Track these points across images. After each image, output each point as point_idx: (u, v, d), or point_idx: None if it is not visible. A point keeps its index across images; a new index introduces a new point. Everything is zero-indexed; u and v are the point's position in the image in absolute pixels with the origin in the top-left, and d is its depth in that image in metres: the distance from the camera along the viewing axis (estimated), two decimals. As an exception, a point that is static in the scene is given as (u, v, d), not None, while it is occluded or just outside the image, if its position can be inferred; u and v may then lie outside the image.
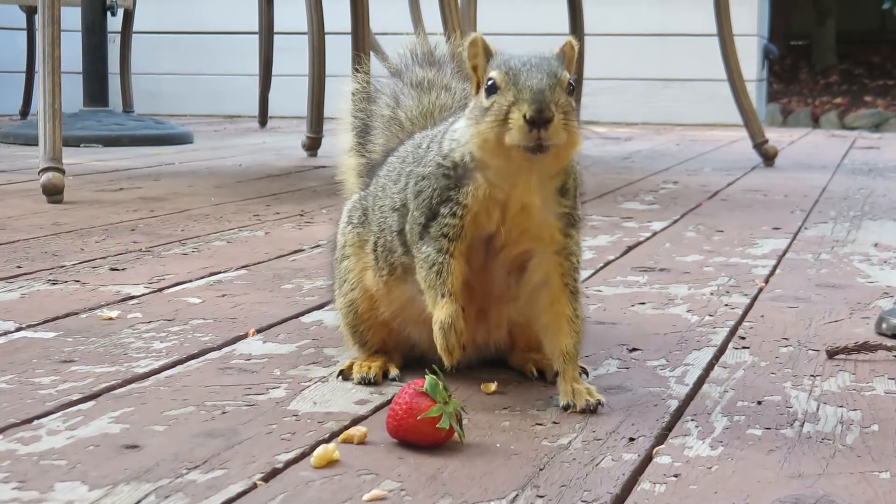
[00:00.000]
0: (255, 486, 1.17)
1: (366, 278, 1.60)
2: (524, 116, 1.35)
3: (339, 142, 1.85)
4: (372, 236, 1.59)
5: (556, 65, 1.40)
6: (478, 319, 1.55)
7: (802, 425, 1.40)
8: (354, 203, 1.66)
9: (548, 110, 1.35)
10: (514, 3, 7.69)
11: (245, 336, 1.81)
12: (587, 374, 1.59)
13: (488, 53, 1.44)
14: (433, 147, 1.50)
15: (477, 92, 1.44)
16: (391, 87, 1.79)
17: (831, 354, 1.71)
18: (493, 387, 1.53)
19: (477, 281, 1.50)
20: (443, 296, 1.46)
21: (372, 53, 1.73)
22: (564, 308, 1.48)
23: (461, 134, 1.46)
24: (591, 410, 1.43)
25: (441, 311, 1.45)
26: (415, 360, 1.63)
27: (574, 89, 1.41)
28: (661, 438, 1.35)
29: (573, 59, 1.45)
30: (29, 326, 1.84)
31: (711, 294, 2.18)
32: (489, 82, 1.40)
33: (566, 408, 1.44)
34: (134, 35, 6.66)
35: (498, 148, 1.39)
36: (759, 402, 1.49)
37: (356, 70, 1.84)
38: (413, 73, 1.78)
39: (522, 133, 1.35)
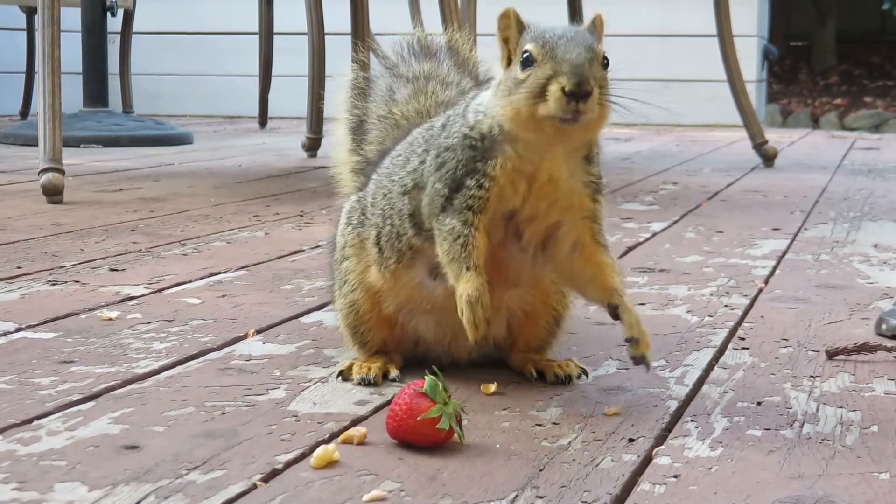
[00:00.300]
0: (254, 486, 1.17)
1: (368, 277, 1.59)
2: (562, 89, 1.36)
3: (335, 137, 1.85)
4: (373, 230, 1.58)
5: (591, 39, 1.42)
6: None
7: (802, 426, 1.40)
8: (353, 204, 1.66)
9: (587, 84, 1.37)
10: (514, 4, 7.68)
11: (245, 337, 1.81)
12: (587, 374, 1.59)
13: (521, 26, 1.44)
14: (456, 121, 1.49)
15: (508, 65, 1.44)
16: (387, 82, 1.79)
17: (831, 355, 1.71)
18: (492, 387, 1.53)
19: (491, 261, 1.49)
20: (468, 269, 1.45)
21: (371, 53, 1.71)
22: (604, 257, 1.51)
23: (488, 106, 1.46)
24: (647, 364, 1.46)
25: (468, 284, 1.44)
26: (415, 360, 1.63)
27: (608, 63, 1.42)
28: (661, 439, 1.35)
29: (602, 33, 1.46)
30: (29, 327, 1.84)
31: (711, 295, 2.18)
32: (525, 55, 1.40)
33: (628, 340, 1.46)
34: (134, 35, 6.66)
35: (530, 121, 1.40)
36: (759, 403, 1.49)
37: (354, 63, 1.83)
38: (409, 66, 1.77)
39: (560, 105, 1.36)
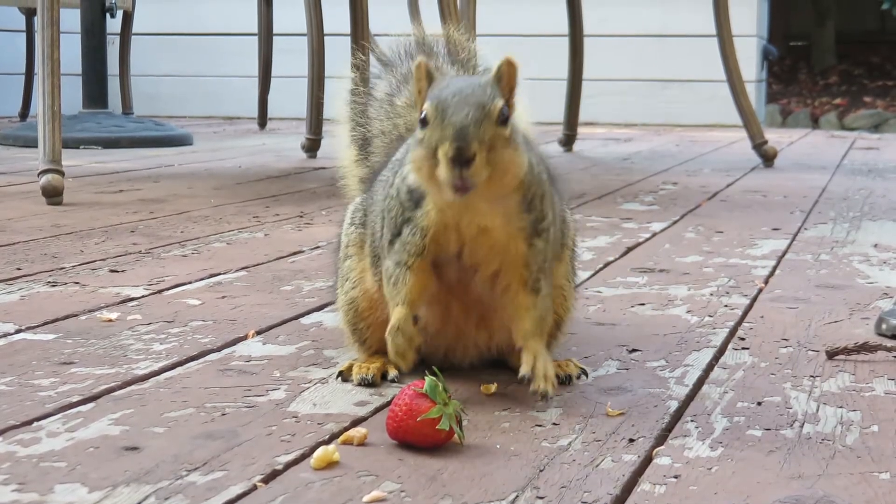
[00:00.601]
0: (254, 487, 1.17)
1: (366, 278, 1.60)
2: (446, 155, 1.34)
3: (339, 146, 1.85)
4: (368, 239, 1.60)
5: (487, 93, 1.37)
6: (478, 326, 1.57)
7: (802, 426, 1.40)
8: (357, 205, 1.67)
9: (468, 150, 1.33)
10: (513, 4, 7.69)
11: (245, 338, 1.81)
12: (586, 374, 1.60)
13: (430, 78, 1.42)
14: (401, 167, 1.49)
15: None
16: (386, 88, 1.78)
17: (831, 355, 1.71)
18: (492, 388, 1.53)
19: (462, 293, 1.51)
20: (396, 304, 1.48)
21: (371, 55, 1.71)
22: (526, 300, 1.48)
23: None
24: (543, 396, 1.44)
25: (393, 318, 1.48)
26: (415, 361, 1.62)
27: (507, 118, 1.37)
28: (661, 439, 1.35)
29: (514, 78, 1.40)
30: (28, 328, 1.84)
31: (711, 295, 2.18)
32: (422, 114, 1.39)
33: (521, 380, 1.46)
34: (133, 37, 6.67)
35: (431, 181, 1.38)
36: (759, 403, 1.49)
37: (353, 69, 1.83)
38: (408, 68, 1.77)
39: (447, 171, 1.34)
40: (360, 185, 1.80)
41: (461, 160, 1.33)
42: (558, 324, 1.62)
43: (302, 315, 1.97)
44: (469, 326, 1.55)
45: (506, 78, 1.40)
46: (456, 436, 1.30)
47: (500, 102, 1.37)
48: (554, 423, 1.40)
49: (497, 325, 1.56)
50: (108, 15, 5.66)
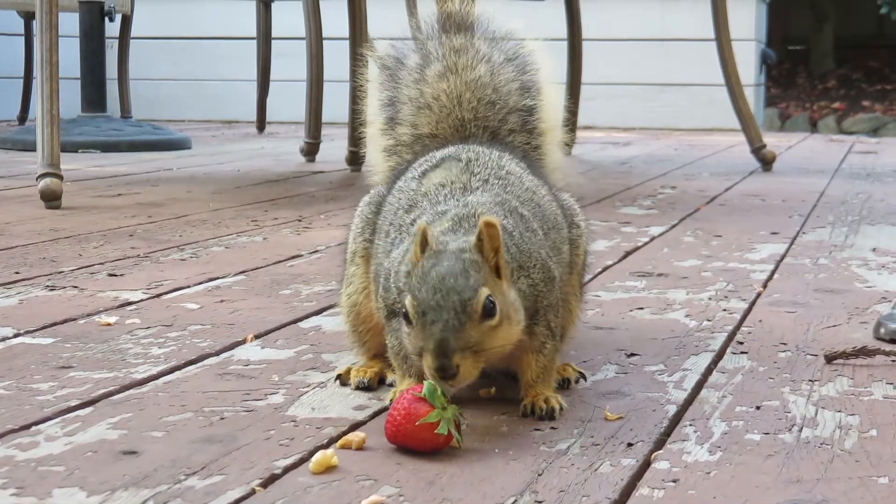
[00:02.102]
0: (253, 491, 1.17)
1: (369, 292, 1.59)
2: (430, 368, 1.31)
3: (365, 115, 1.79)
4: (373, 263, 1.57)
5: (470, 283, 1.31)
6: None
7: (801, 430, 1.40)
8: (366, 214, 1.63)
9: (450, 367, 1.29)
10: (512, 8, 7.69)
11: (243, 342, 1.81)
12: (585, 378, 1.60)
13: (425, 243, 1.35)
14: (401, 251, 1.44)
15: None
16: (416, 60, 1.72)
17: (829, 359, 1.71)
18: (491, 392, 1.53)
19: None
20: (406, 376, 1.46)
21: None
22: (529, 359, 1.46)
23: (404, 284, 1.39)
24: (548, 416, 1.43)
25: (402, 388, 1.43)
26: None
27: (493, 308, 1.31)
28: (660, 444, 1.35)
29: (496, 238, 1.34)
30: (27, 332, 1.84)
31: (710, 299, 2.18)
32: (404, 310, 1.34)
33: (522, 415, 1.44)
34: (132, 40, 6.66)
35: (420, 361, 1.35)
36: (758, 407, 1.49)
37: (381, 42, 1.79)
38: (440, 41, 1.71)
39: (434, 378, 1.31)
40: (383, 156, 1.76)
41: (445, 376, 1.30)
42: (561, 334, 1.61)
43: (300, 319, 1.97)
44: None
45: (488, 241, 1.33)
46: (454, 440, 1.30)
47: (482, 294, 1.31)
48: (552, 428, 1.40)
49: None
50: (106, 18, 5.66)
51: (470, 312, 1.31)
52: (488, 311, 1.32)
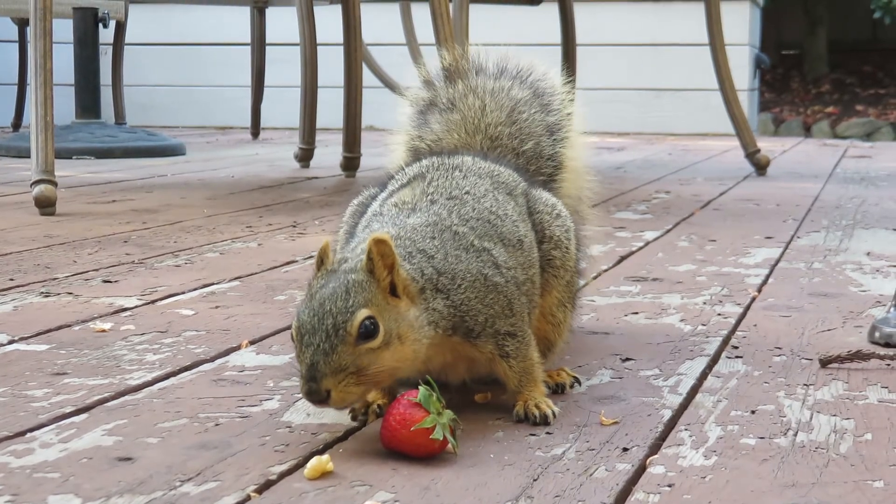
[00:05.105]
0: (248, 497, 1.17)
1: None
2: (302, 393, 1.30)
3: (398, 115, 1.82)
4: None
5: (348, 305, 1.29)
6: (469, 371, 1.53)
7: (796, 434, 1.40)
8: (349, 224, 1.62)
9: (318, 392, 1.27)
10: (506, 13, 7.69)
11: (238, 348, 1.81)
12: (580, 383, 1.60)
13: (321, 263, 1.36)
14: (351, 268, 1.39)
15: None
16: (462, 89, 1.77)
17: (824, 363, 1.72)
18: (486, 397, 1.53)
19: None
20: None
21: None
22: (501, 367, 1.46)
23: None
24: (539, 422, 1.43)
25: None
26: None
27: (373, 330, 1.29)
28: (655, 448, 1.35)
29: (388, 255, 1.31)
30: (21, 339, 1.84)
31: (704, 303, 2.18)
32: (291, 331, 1.33)
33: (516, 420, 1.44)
34: (126, 47, 6.66)
35: None
36: (753, 412, 1.49)
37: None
38: (483, 81, 1.78)
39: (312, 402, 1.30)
40: (404, 148, 1.78)
41: (313, 400, 1.29)
42: (550, 348, 1.61)
43: (295, 325, 1.97)
44: (458, 368, 1.52)
45: (379, 259, 1.31)
46: (450, 445, 1.30)
47: (359, 316, 1.29)
48: (547, 433, 1.40)
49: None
50: (100, 25, 5.66)
51: (343, 336, 1.28)
52: (367, 332, 1.29)
